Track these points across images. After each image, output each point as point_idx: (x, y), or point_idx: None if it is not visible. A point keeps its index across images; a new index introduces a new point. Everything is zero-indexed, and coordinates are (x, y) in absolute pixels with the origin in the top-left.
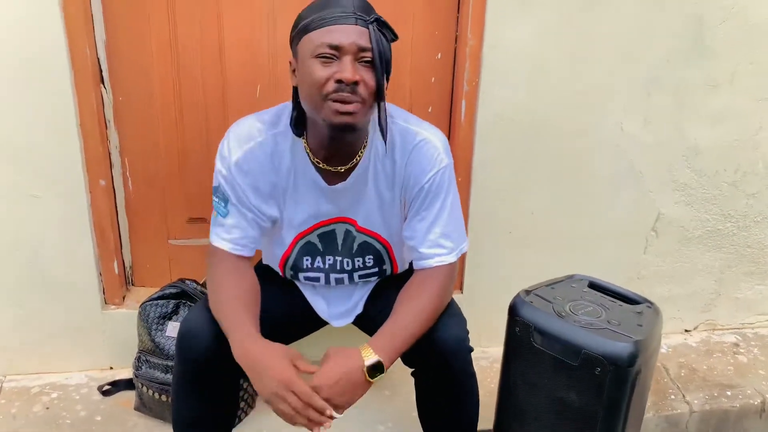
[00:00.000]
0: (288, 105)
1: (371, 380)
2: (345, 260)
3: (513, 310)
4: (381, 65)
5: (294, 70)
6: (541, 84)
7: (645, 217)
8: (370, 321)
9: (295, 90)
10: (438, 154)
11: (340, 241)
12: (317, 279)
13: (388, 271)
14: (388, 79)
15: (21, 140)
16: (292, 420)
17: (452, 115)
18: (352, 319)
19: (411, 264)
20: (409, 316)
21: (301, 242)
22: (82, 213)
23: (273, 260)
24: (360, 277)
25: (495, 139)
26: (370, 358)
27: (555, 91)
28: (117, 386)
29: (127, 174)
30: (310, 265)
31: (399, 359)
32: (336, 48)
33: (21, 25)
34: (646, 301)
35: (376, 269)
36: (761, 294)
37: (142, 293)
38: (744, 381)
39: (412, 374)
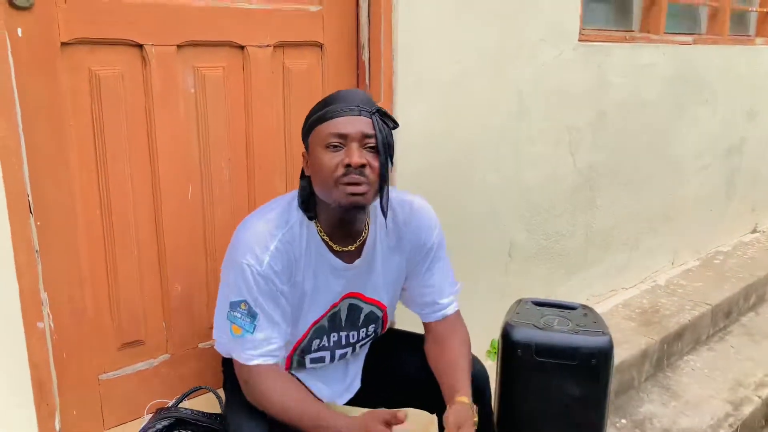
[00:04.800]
0: (289, 196)
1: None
2: (351, 334)
3: (509, 337)
4: (384, 150)
5: (306, 162)
6: (434, 153)
7: (503, 246)
8: (370, 394)
9: (303, 176)
10: (432, 214)
11: (343, 317)
12: (322, 359)
13: (378, 333)
14: (391, 162)
15: None
16: None
17: None
18: (353, 393)
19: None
20: (467, 359)
21: (315, 327)
22: (20, 370)
23: None
24: (360, 346)
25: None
26: (474, 406)
27: (445, 156)
28: None
29: (48, 311)
30: (317, 347)
31: (419, 410)
32: (343, 137)
33: None
34: (579, 305)
35: (373, 335)
36: (570, 290)
37: None
38: None
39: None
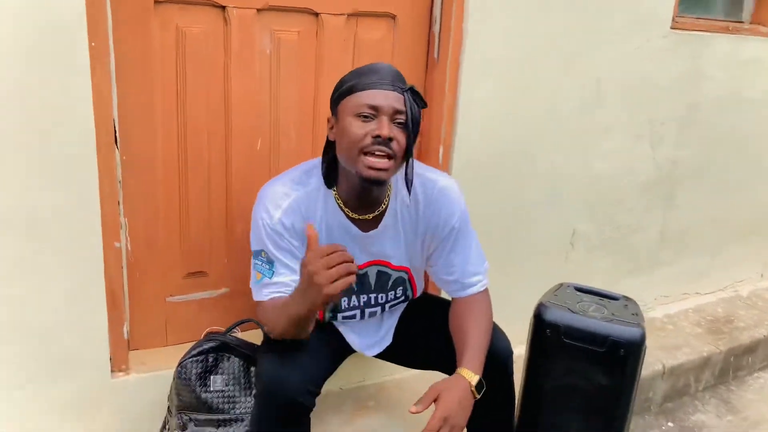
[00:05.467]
0: (312, 162)
1: (478, 395)
2: (379, 296)
3: (540, 317)
4: (412, 126)
5: (332, 127)
6: (496, 134)
7: (565, 233)
8: (399, 352)
9: (328, 143)
10: (458, 196)
11: (372, 281)
12: (353, 317)
13: (410, 297)
14: (416, 140)
15: (38, 212)
16: (334, 277)
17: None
18: (382, 348)
19: (423, 291)
20: (481, 336)
21: None
22: (97, 279)
23: None
24: (390, 306)
25: (464, 179)
26: (473, 378)
27: (508, 139)
28: None
29: (126, 234)
30: (347, 305)
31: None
32: (375, 108)
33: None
34: (623, 296)
35: (403, 297)
36: (636, 288)
37: (140, 357)
38: None
39: None
